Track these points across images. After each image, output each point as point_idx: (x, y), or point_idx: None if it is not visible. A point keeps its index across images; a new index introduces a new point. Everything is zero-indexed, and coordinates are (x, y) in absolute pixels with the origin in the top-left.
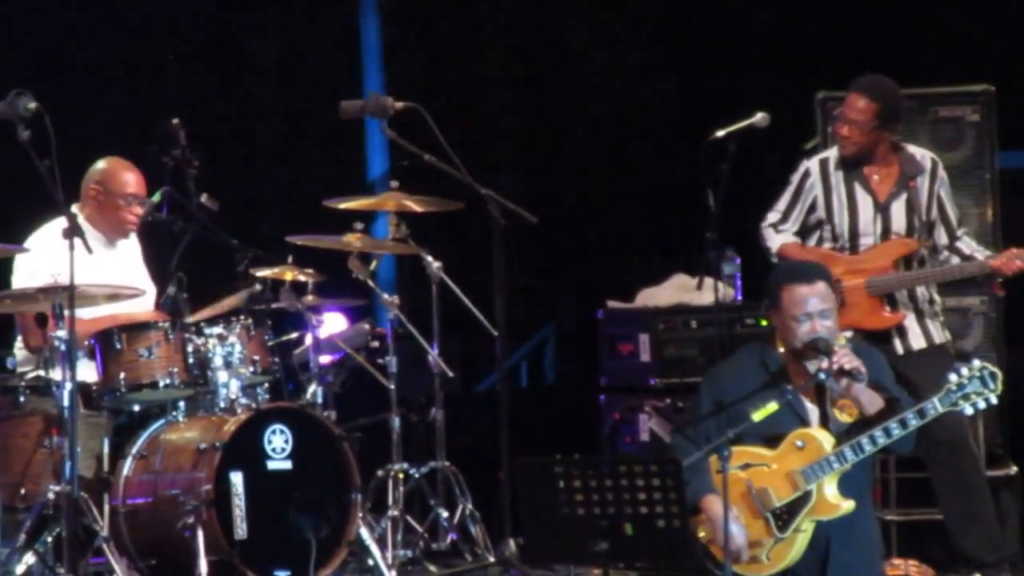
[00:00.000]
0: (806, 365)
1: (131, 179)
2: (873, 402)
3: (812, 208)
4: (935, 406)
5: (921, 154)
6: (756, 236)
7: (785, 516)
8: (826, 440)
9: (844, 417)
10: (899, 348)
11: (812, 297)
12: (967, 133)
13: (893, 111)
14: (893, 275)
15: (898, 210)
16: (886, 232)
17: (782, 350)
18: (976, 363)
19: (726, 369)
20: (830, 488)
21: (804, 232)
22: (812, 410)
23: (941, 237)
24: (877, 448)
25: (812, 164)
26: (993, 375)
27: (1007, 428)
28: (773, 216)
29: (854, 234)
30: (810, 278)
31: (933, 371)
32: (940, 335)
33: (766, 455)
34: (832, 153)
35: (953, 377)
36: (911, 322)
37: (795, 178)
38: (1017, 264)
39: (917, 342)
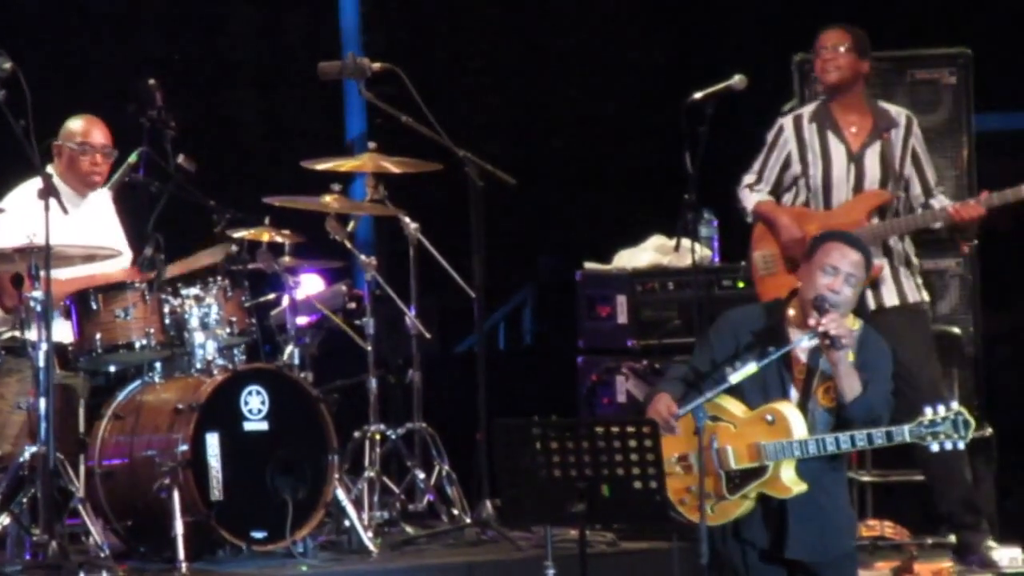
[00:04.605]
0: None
1: (86, 129)
2: (848, 376)
3: (787, 164)
4: (903, 434)
5: (896, 110)
6: (733, 199)
7: (738, 480)
8: (797, 425)
9: (824, 402)
10: (871, 302)
11: (847, 260)
12: (944, 96)
13: (864, 44)
14: (867, 227)
15: (872, 160)
16: (859, 183)
17: (792, 313)
18: (954, 406)
19: (734, 317)
20: (787, 471)
21: (780, 190)
22: (794, 383)
23: (916, 193)
24: (839, 451)
25: (786, 121)
26: (967, 423)
27: (982, 391)
28: (749, 178)
29: (827, 186)
30: (854, 245)
31: (904, 332)
32: (915, 294)
33: (737, 416)
34: (806, 109)
35: (928, 411)
36: (885, 277)
37: (769, 136)
38: (971, 211)
39: (890, 298)
